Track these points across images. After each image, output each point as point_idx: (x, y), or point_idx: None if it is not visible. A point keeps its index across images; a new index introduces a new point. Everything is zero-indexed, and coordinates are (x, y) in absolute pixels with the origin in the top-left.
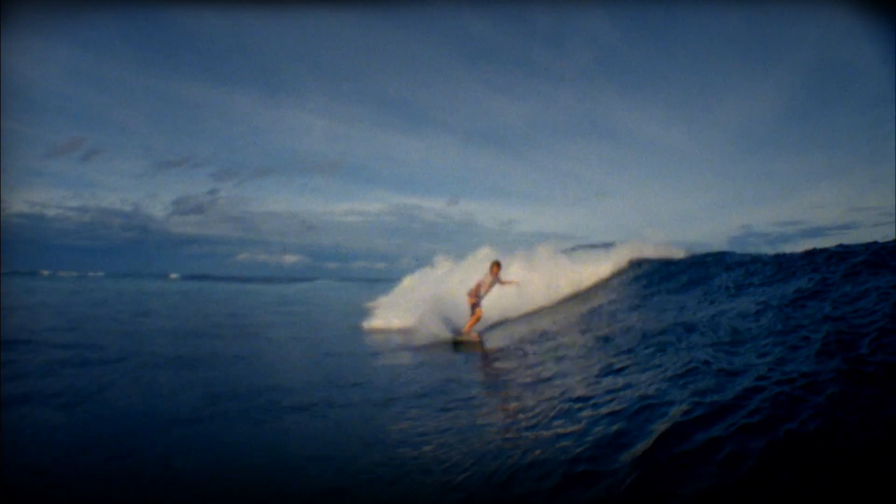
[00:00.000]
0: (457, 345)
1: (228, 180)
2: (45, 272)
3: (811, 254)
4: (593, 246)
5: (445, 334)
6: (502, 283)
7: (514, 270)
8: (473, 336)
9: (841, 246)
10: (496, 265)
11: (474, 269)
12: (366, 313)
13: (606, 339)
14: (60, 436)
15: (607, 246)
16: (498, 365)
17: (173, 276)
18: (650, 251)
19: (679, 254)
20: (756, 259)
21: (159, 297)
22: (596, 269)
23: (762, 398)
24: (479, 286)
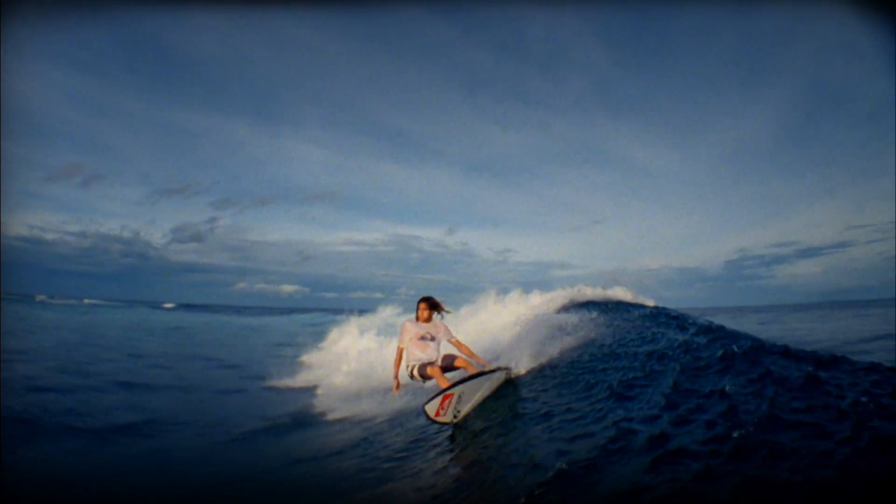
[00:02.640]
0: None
1: (228, 209)
2: (41, 297)
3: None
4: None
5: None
6: (452, 341)
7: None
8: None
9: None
10: (424, 303)
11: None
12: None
13: None
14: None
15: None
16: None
17: (168, 305)
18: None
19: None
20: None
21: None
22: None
23: None
24: (403, 349)
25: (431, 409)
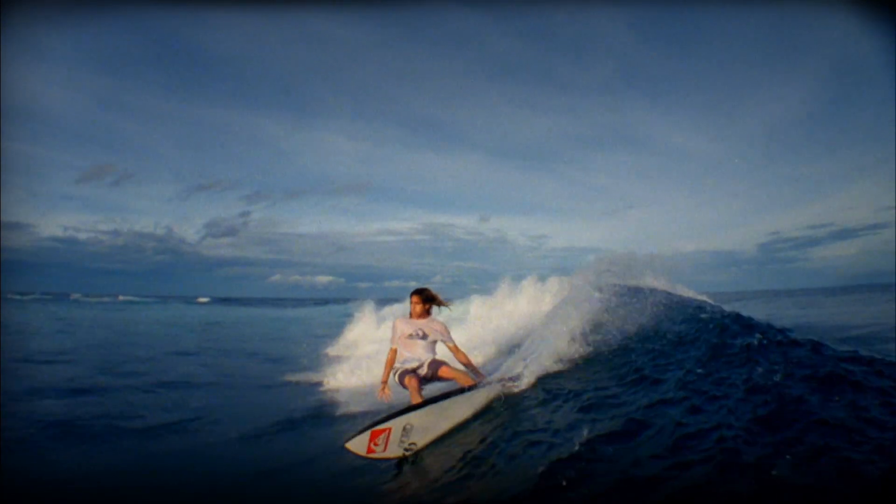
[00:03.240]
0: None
1: (260, 203)
2: (76, 295)
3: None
4: None
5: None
6: (449, 346)
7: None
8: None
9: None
10: (417, 296)
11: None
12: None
13: None
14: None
15: None
16: None
17: (202, 299)
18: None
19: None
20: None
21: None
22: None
23: None
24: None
25: (357, 446)
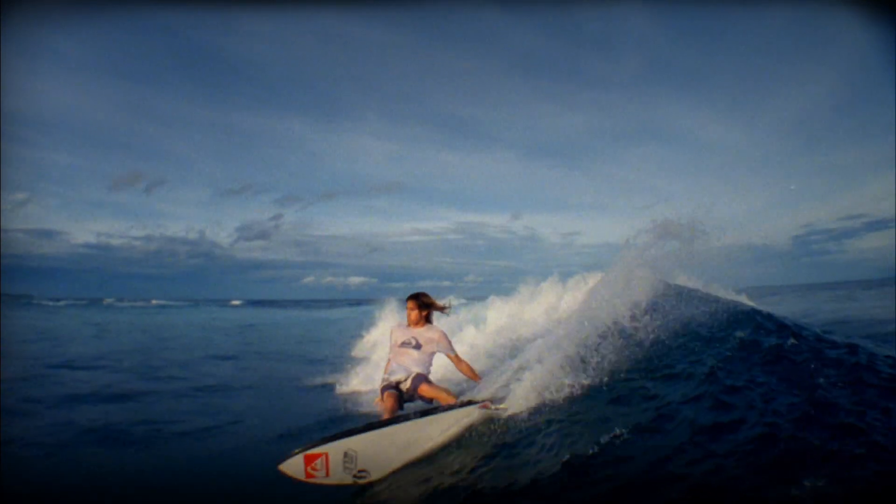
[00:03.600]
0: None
1: (291, 205)
2: (109, 300)
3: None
4: None
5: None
6: (451, 356)
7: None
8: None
9: None
10: (412, 302)
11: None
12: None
13: None
14: None
15: None
16: None
17: (235, 302)
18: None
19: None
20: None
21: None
22: None
23: None
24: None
25: (293, 469)
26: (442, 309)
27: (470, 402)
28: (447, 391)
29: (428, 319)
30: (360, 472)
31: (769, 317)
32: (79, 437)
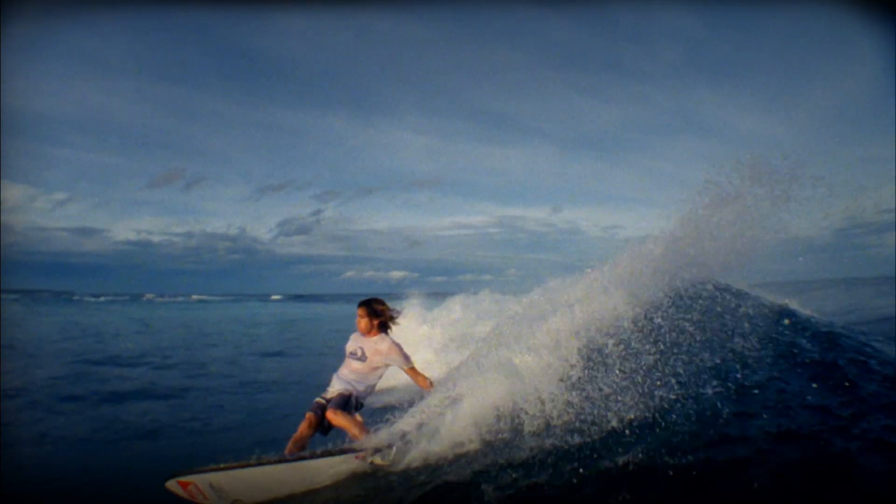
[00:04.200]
0: None
1: (331, 201)
2: (150, 296)
3: None
4: None
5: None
6: (406, 370)
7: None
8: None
9: None
10: (361, 309)
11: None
12: None
13: None
14: None
15: None
16: None
17: (275, 297)
18: None
19: None
20: None
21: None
22: None
23: None
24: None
25: (175, 487)
26: (389, 319)
27: (346, 451)
28: (358, 425)
29: (383, 328)
30: (235, 501)
31: (809, 320)
32: (122, 433)
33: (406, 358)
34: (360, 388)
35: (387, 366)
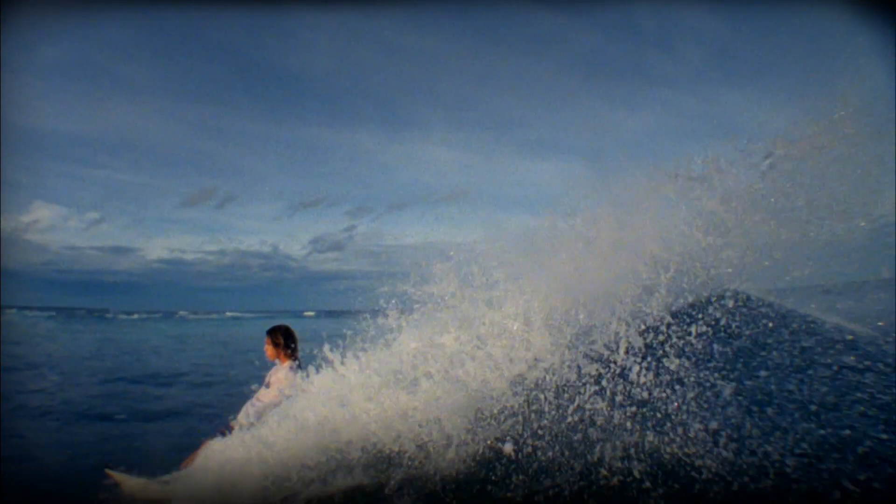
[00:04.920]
0: None
1: (363, 217)
2: (183, 313)
3: None
4: None
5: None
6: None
7: None
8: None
9: None
10: (267, 338)
11: None
12: None
13: None
14: None
15: None
16: None
17: (308, 313)
18: None
19: None
20: None
21: None
22: None
23: None
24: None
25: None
26: (284, 354)
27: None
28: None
29: (289, 357)
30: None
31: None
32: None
33: (283, 389)
34: (253, 416)
35: (287, 395)
